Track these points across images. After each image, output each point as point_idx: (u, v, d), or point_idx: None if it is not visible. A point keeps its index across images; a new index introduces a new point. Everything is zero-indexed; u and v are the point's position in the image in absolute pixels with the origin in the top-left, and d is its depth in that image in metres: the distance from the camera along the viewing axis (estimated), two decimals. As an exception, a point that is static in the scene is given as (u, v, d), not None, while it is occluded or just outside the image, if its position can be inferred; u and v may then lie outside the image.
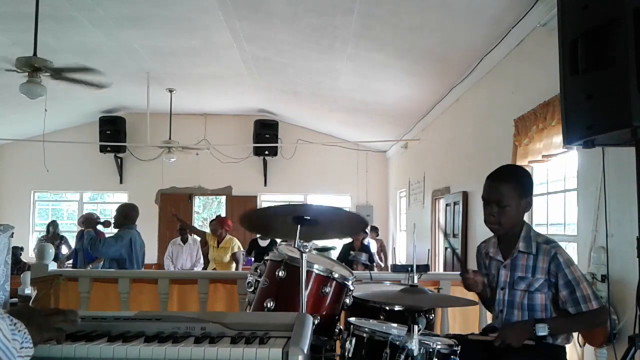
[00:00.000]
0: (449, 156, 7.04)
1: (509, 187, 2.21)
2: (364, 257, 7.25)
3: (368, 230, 8.92)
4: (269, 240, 8.39)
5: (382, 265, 9.58)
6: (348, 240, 8.13)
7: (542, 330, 2.09)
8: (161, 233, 11.53)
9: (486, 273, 2.40)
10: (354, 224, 2.70)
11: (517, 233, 2.26)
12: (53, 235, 8.69)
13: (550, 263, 2.17)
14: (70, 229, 11.30)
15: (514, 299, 2.23)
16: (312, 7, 5.00)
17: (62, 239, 8.84)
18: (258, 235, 8.73)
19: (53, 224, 8.94)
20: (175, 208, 11.64)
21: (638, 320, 1.77)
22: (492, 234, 2.44)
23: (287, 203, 8.23)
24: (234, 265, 7.00)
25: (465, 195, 6.08)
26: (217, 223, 7.02)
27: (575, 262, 2.25)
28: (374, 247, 8.90)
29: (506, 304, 2.25)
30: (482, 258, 2.44)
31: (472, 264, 5.34)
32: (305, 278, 2.21)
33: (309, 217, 2.36)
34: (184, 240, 7.65)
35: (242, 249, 7.30)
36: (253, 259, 8.07)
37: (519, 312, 2.22)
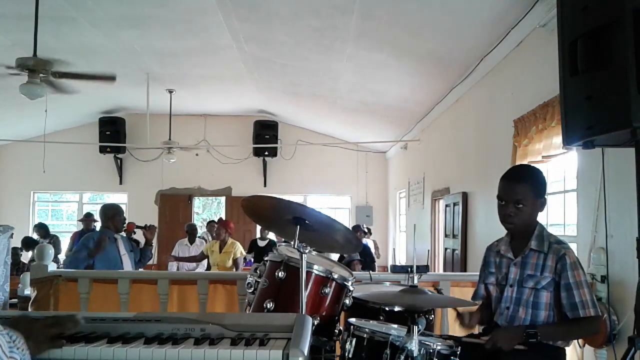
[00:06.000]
0: (448, 157, 7.04)
1: (526, 187, 2.22)
2: (355, 255, 7.27)
3: (366, 229, 8.95)
4: (267, 241, 8.43)
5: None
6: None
7: (532, 337, 2.11)
8: (160, 234, 11.52)
9: (493, 271, 2.41)
10: (346, 245, 2.69)
11: (530, 232, 2.28)
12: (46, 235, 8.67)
13: (557, 262, 2.18)
14: (69, 230, 11.30)
15: (521, 297, 2.24)
16: (312, 7, 5.00)
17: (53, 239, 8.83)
18: (257, 236, 8.77)
19: (43, 227, 8.88)
20: (175, 209, 11.70)
21: (636, 324, 1.77)
22: (493, 236, 2.45)
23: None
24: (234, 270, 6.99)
25: (465, 195, 6.07)
26: (221, 226, 7.01)
27: (581, 265, 2.25)
28: (372, 248, 8.93)
29: (513, 301, 2.27)
30: (492, 256, 2.44)
31: (473, 264, 5.32)
32: (305, 279, 2.21)
33: (308, 222, 2.36)
34: (192, 241, 7.66)
35: (244, 254, 7.26)
36: (253, 259, 8.10)
37: (524, 310, 2.23)
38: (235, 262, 6.89)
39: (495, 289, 2.37)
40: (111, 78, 6.22)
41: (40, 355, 1.30)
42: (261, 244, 8.44)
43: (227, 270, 6.76)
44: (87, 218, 7.94)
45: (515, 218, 2.23)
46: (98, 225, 8.22)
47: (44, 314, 1.64)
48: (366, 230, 8.93)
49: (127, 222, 4.85)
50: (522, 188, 2.22)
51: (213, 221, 9.00)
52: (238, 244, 7.02)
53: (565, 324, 2.18)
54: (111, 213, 4.67)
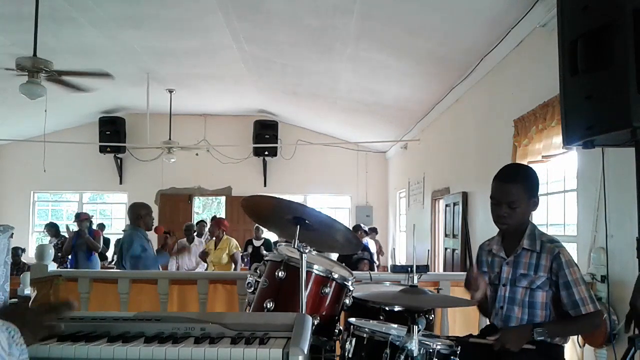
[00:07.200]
0: (448, 157, 7.04)
1: (520, 188, 2.21)
2: (366, 255, 7.29)
3: (367, 229, 8.96)
4: (262, 240, 8.45)
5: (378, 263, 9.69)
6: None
7: (540, 334, 2.12)
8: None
9: (485, 271, 2.40)
10: (346, 245, 2.69)
11: (522, 231, 2.28)
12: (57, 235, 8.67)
13: (552, 262, 2.18)
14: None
15: (514, 296, 2.24)
16: (312, 7, 5.00)
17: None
18: (253, 237, 8.80)
19: (54, 226, 8.89)
20: (175, 209, 11.69)
21: (634, 324, 1.77)
22: (491, 235, 2.44)
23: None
24: (232, 266, 7.00)
25: (465, 195, 6.07)
26: (214, 224, 7.02)
27: (575, 262, 2.26)
28: (372, 247, 8.95)
29: (507, 301, 2.26)
30: (484, 255, 2.44)
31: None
32: (305, 279, 2.21)
33: (308, 222, 2.35)
34: (190, 241, 7.67)
35: (239, 249, 7.29)
36: (249, 258, 8.12)
37: (519, 309, 2.23)
38: (232, 258, 6.89)
39: (489, 288, 2.37)
40: (106, 74, 6.28)
41: (38, 341, 1.30)
42: (256, 243, 8.47)
43: (223, 267, 6.79)
44: (77, 218, 7.92)
45: (509, 219, 2.23)
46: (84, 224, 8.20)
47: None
48: (367, 230, 8.94)
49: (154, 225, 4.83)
50: (515, 189, 2.21)
51: (203, 221, 9.10)
52: (232, 239, 7.03)
53: (569, 321, 2.18)
54: (144, 212, 4.65)
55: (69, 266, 7.78)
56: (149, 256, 4.52)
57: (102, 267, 8.20)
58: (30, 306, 1.43)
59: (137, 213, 4.64)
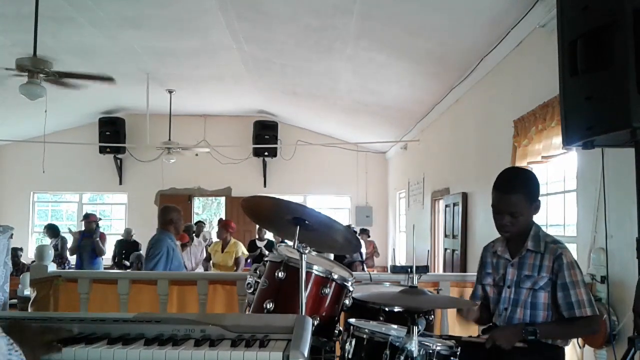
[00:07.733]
0: (448, 157, 7.04)
1: (521, 197, 2.21)
2: (357, 256, 7.30)
3: (357, 230, 8.98)
4: (265, 241, 8.46)
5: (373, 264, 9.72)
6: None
7: (531, 334, 2.12)
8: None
9: (490, 272, 2.40)
10: (346, 245, 2.68)
11: (526, 233, 2.28)
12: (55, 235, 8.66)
13: (554, 262, 2.19)
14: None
15: (519, 297, 2.25)
16: (312, 7, 5.00)
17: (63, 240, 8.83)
18: (256, 237, 8.81)
19: (52, 227, 8.88)
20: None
21: (635, 324, 1.76)
22: (491, 236, 2.45)
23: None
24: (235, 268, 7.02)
25: (464, 196, 6.07)
26: (221, 227, 7.03)
27: (578, 265, 2.25)
28: (363, 248, 8.96)
29: (511, 302, 2.27)
30: (489, 257, 2.44)
31: (473, 264, 5.32)
32: (305, 279, 2.20)
33: (308, 222, 2.35)
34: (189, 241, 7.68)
35: (246, 254, 7.30)
36: (250, 260, 8.14)
37: (522, 310, 2.23)
38: (236, 261, 6.91)
39: (493, 290, 2.37)
40: (109, 79, 6.31)
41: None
42: (260, 244, 8.48)
43: (229, 269, 6.79)
44: (86, 219, 7.94)
45: (512, 227, 2.24)
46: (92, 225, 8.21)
47: (42, 315, 1.64)
48: (357, 231, 8.96)
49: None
50: (516, 199, 2.21)
51: (201, 221, 9.11)
52: (240, 243, 7.05)
53: (564, 323, 2.18)
54: (176, 216, 4.52)
55: (66, 267, 7.79)
56: (180, 261, 4.43)
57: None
58: (29, 325, 1.42)
59: (169, 217, 4.50)
